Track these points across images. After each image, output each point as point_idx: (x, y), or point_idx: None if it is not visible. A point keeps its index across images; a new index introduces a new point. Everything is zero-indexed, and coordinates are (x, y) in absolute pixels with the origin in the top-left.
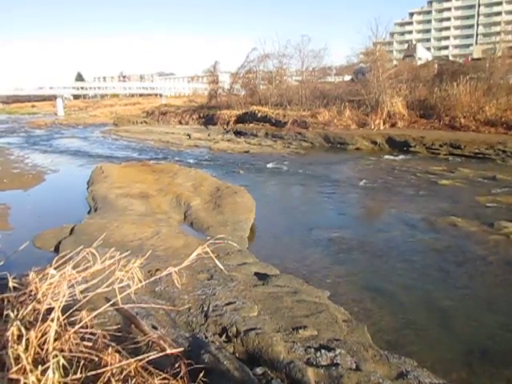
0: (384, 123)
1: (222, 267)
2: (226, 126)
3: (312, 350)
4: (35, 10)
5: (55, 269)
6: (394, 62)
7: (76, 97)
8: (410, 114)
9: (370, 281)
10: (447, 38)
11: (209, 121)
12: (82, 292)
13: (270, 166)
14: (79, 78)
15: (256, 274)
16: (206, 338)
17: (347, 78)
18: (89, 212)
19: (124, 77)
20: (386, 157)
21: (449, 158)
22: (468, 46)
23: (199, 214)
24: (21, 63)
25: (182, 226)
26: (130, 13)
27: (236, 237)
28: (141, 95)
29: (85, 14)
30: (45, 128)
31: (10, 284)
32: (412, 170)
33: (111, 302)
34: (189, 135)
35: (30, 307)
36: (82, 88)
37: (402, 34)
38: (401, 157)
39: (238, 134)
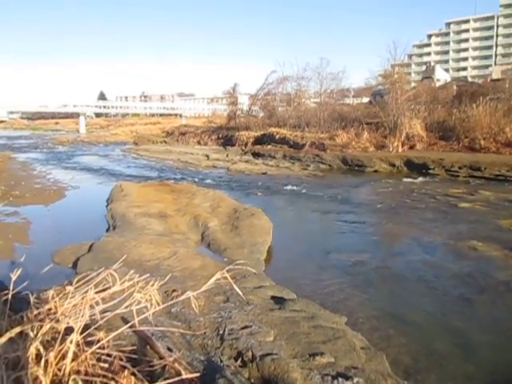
0: (402, 145)
1: (240, 292)
2: (244, 147)
3: (329, 377)
4: (62, 32)
5: (75, 289)
6: (413, 84)
7: (98, 115)
8: (429, 135)
9: (388, 306)
10: (466, 59)
11: (227, 142)
12: (100, 312)
13: (287, 188)
14: (102, 96)
15: (272, 297)
16: (222, 361)
17: (365, 99)
18: (107, 229)
19: (145, 97)
20: (405, 179)
21: (469, 181)
22: (487, 66)
23: (216, 235)
24: (46, 82)
25: (199, 246)
26: (154, 38)
27: (253, 259)
28: (161, 115)
29: (109, 37)
30: (67, 145)
31: (31, 301)
32: (431, 193)
33: (129, 325)
34: (207, 156)
35: (48, 326)
36: (105, 107)
37: (421, 55)
38: (420, 179)
39: (256, 155)
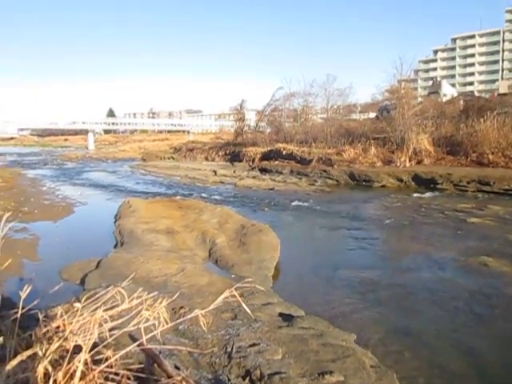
0: (410, 160)
1: (248, 310)
2: (251, 163)
3: None
4: (72, 50)
5: (83, 307)
6: (419, 99)
7: (107, 132)
8: (437, 150)
9: (398, 323)
10: (472, 74)
11: (234, 157)
12: (108, 330)
13: (294, 203)
14: (111, 113)
15: (280, 314)
16: (229, 380)
17: (372, 115)
18: (115, 246)
19: (153, 113)
20: (413, 194)
21: (478, 195)
22: (494, 81)
23: (224, 251)
24: (56, 99)
25: (207, 263)
26: (162, 55)
27: (260, 276)
28: (169, 131)
29: (119, 55)
30: (76, 161)
31: (40, 318)
32: (439, 208)
33: (137, 343)
34: (215, 171)
35: (57, 345)
36: (113, 123)
37: (427, 71)
38: (428, 194)
39: (263, 171)
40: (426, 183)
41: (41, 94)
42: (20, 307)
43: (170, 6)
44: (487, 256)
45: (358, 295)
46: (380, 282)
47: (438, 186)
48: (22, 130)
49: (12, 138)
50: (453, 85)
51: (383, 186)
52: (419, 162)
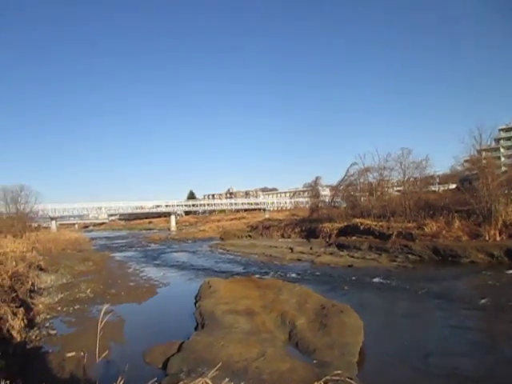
0: (500, 234)
1: None
2: (327, 239)
3: None
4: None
5: None
6: (503, 168)
7: (187, 213)
8: None
9: None
10: None
11: (310, 234)
12: None
13: (375, 280)
14: (191, 195)
15: None
16: None
17: (452, 186)
18: (196, 327)
19: (231, 194)
20: (507, 271)
21: None
22: None
23: (304, 334)
24: (142, 184)
25: (287, 346)
26: (236, 139)
27: (344, 362)
28: (246, 210)
29: (198, 142)
30: (159, 242)
31: None
32: None
33: None
34: (291, 249)
35: None
36: (193, 205)
37: (509, 139)
38: None
39: (340, 246)
40: None
41: (128, 178)
42: None
43: (239, 91)
44: None
45: None
46: (478, 372)
47: None
48: (111, 215)
49: (102, 223)
50: None
51: (472, 262)
52: (511, 236)
